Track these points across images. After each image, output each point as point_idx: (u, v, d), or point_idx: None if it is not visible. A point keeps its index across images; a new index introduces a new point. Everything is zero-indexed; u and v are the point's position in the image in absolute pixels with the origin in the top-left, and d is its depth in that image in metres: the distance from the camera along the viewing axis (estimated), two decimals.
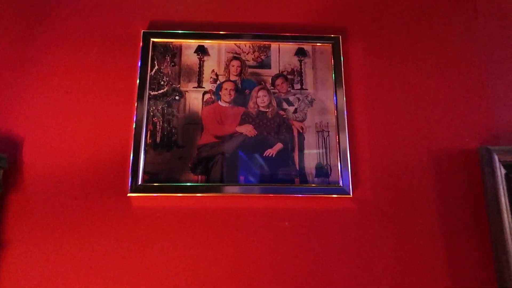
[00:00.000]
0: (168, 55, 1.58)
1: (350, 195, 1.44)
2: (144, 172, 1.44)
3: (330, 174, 1.47)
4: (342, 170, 1.46)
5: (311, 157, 1.48)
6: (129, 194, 1.41)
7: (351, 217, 1.44)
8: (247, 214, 1.43)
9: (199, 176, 1.45)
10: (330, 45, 1.61)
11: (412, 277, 1.39)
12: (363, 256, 1.40)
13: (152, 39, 1.58)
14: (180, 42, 1.59)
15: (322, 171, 1.47)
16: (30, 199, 1.42)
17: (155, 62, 1.56)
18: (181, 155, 1.47)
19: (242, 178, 1.45)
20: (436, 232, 1.43)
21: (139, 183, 1.42)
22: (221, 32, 1.61)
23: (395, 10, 1.71)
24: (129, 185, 1.41)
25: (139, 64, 1.54)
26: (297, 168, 1.47)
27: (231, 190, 1.43)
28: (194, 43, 1.59)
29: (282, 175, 1.46)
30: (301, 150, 1.49)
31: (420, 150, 1.52)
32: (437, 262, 1.40)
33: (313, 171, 1.47)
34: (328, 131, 1.51)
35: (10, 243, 1.37)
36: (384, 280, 1.38)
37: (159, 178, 1.44)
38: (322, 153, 1.49)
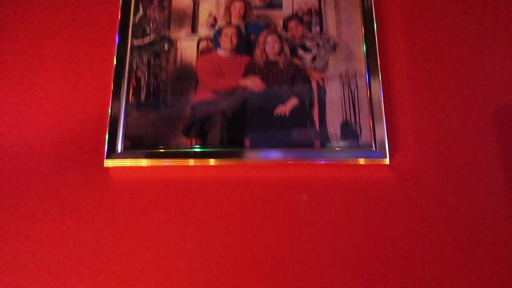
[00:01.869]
0: None
1: (386, 161, 1.11)
2: (126, 137, 1.15)
3: (360, 135, 1.14)
4: (375, 130, 1.13)
5: (335, 114, 1.16)
6: (106, 164, 1.12)
7: (387, 190, 1.11)
8: (254, 186, 1.11)
9: (193, 139, 1.15)
10: None
11: (471, 271, 1.03)
12: (402, 240, 1.06)
13: None
14: None
15: (350, 131, 1.14)
16: None
17: (140, 6, 1.28)
18: (171, 116, 1.17)
19: (247, 141, 1.14)
20: (503, 211, 1.08)
21: (119, 150, 1.13)
22: None
23: None
24: (106, 152, 1.12)
25: (120, 8, 1.26)
26: (317, 128, 1.15)
27: (233, 155, 1.12)
28: None
29: (298, 137, 1.14)
30: (321, 106, 1.17)
31: (481, 105, 1.16)
32: (503, 250, 1.04)
33: (338, 132, 1.14)
34: (356, 82, 1.19)
35: None
36: (428, 273, 1.03)
37: (144, 144, 1.15)
38: (349, 109, 1.16)
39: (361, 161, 1.11)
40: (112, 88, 1.19)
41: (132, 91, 1.19)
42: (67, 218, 1.10)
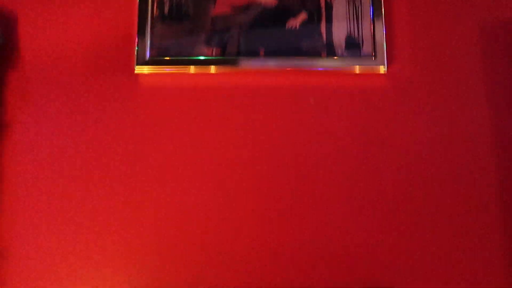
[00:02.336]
0: None
1: (383, 69, 1.26)
2: (152, 46, 1.28)
3: (362, 47, 1.28)
4: (376, 43, 1.27)
5: (341, 29, 1.29)
6: (136, 70, 1.26)
7: (384, 96, 1.27)
8: (267, 91, 1.27)
9: (214, 49, 1.28)
10: None
11: (455, 170, 1.23)
12: (395, 144, 1.24)
13: None
14: None
15: (353, 43, 1.28)
16: (28, 78, 1.29)
17: None
18: (193, 28, 1.29)
19: (262, 51, 1.28)
20: (485, 116, 1.25)
21: (147, 57, 1.27)
22: None
23: None
24: (136, 58, 1.26)
25: None
26: (324, 40, 1.29)
27: (249, 63, 1.27)
28: None
29: (307, 48, 1.28)
30: (328, 21, 1.30)
31: (469, 21, 1.30)
32: (485, 151, 1.23)
33: (343, 44, 1.28)
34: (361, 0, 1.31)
35: (10, 123, 1.25)
36: (419, 174, 1.23)
37: (169, 53, 1.28)
38: (353, 24, 1.30)
39: (362, 69, 1.27)
40: (138, 1, 1.29)
41: (157, 4, 1.31)
42: (102, 116, 1.26)
